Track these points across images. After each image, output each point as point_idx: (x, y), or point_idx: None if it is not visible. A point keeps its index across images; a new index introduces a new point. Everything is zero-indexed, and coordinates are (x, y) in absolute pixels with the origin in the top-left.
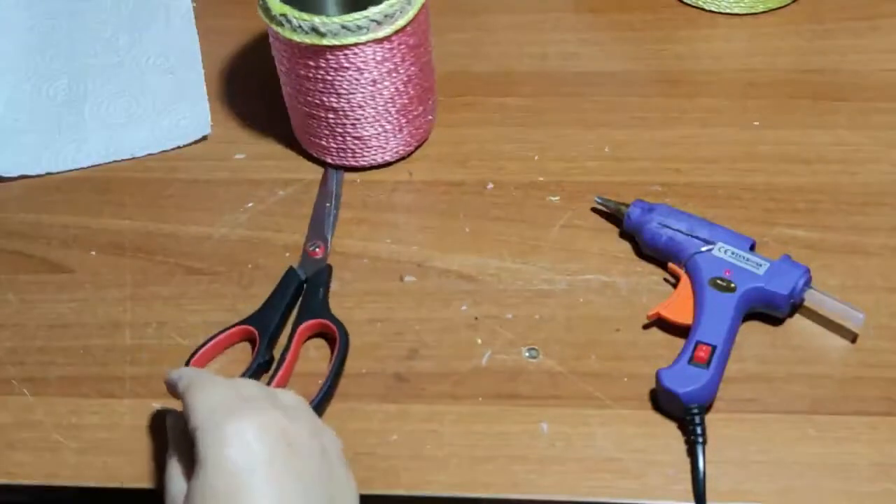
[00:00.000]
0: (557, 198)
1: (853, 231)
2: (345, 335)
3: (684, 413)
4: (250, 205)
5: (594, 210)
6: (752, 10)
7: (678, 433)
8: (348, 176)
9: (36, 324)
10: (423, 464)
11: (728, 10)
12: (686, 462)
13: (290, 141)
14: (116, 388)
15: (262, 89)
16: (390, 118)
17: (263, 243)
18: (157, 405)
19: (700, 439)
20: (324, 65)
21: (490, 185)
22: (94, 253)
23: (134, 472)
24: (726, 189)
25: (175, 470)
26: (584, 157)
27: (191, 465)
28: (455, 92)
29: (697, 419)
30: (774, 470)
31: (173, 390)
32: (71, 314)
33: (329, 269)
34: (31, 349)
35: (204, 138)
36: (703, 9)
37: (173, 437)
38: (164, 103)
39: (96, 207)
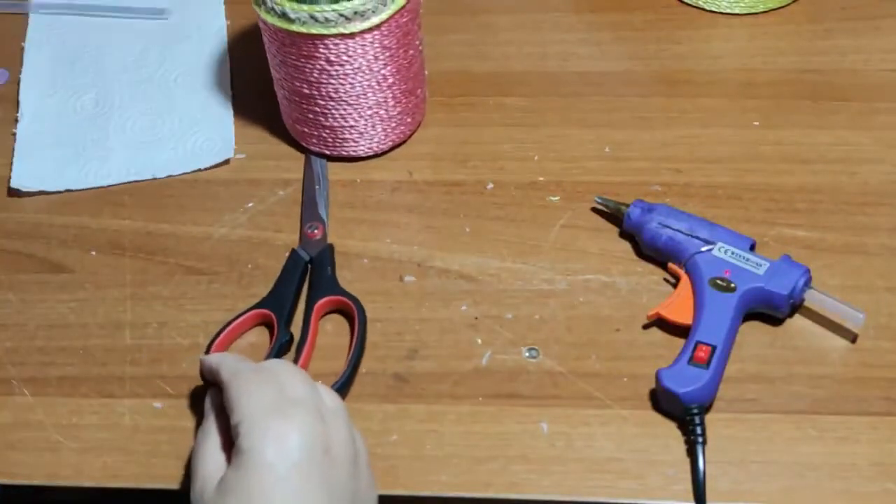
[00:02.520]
0: (557, 198)
1: (853, 231)
2: (362, 309)
3: (684, 413)
4: (250, 205)
5: (594, 210)
6: (752, 10)
7: (678, 433)
8: (348, 176)
9: (36, 324)
10: (423, 464)
11: (728, 10)
12: (686, 462)
13: (290, 141)
14: (116, 388)
15: (262, 89)
16: (362, 113)
17: (263, 243)
18: (157, 405)
19: (700, 439)
20: (294, 51)
21: (490, 185)
22: (94, 253)
23: (134, 472)
24: (726, 189)
25: (209, 446)
26: (584, 157)
27: (226, 443)
28: (455, 92)
29: (697, 419)
30: (774, 470)
31: (211, 376)
32: (71, 314)
33: (331, 247)
34: (31, 349)
35: (226, 162)
36: (703, 9)
37: (211, 414)
38: (189, 123)
39: (96, 207)
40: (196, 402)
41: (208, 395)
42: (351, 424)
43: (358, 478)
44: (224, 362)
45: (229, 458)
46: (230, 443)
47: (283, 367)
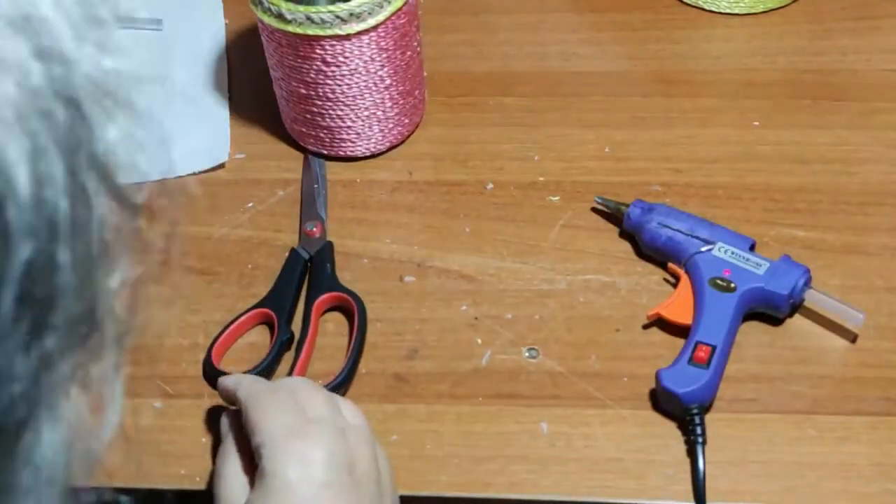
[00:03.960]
0: (557, 198)
1: (853, 231)
2: (362, 305)
3: (684, 413)
4: (250, 205)
5: (594, 210)
6: (752, 10)
7: (678, 433)
8: (348, 176)
9: None
10: (423, 464)
11: (728, 10)
12: (686, 462)
13: (289, 141)
14: None
15: (261, 89)
16: (359, 114)
17: (263, 243)
18: (157, 405)
19: (700, 439)
20: (291, 52)
21: (490, 185)
22: None
23: (134, 472)
24: (726, 189)
25: (231, 469)
26: (584, 157)
27: (248, 465)
28: (455, 92)
29: (697, 419)
30: (774, 470)
31: (229, 398)
32: None
33: (330, 245)
34: None
35: (221, 166)
36: (703, 9)
37: (230, 436)
38: (185, 127)
39: None
40: (195, 402)
41: (224, 417)
42: (374, 441)
43: (382, 497)
44: (242, 383)
45: (252, 481)
46: (252, 465)
47: (301, 386)
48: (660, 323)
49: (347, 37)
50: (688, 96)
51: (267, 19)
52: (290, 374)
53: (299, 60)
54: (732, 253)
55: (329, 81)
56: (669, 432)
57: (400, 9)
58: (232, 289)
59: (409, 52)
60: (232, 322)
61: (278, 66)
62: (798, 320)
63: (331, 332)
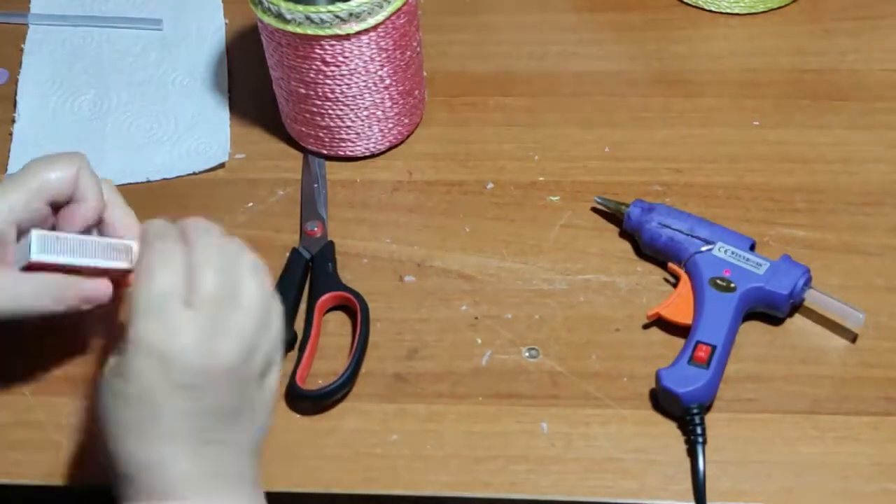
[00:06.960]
0: (557, 198)
1: (853, 231)
2: (364, 303)
3: (684, 413)
4: (250, 205)
5: (594, 210)
6: (752, 10)
7: (678, 433)
8: (348, 176)
9: (37, 323)
10: (423, 464)
11: (728, 10)
12: (686, 462)
13: (289, 140)
14: None
15: (261, 88)
16: (359, 114)
17: (263, 243)
18: None
19: (700, 439)
20: (291, 51)
21: (490, 185)
22: None
23: None
24: (726, 189)
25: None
26: (584, 157)
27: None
28: (455, 92)
29: (697, 419)
30: (774, 470)
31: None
32: (72, 314)
33: (331, 244)
34: (32, 349)
35: (221, 166)
36: (703, 9)
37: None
38: (185, 126)
39: None
40: None
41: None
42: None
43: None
44: (150, 227)
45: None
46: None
47: (200, 249)
48: (660, 323)
49: (347, 37)
50: (688, 96)
51: (267, 19)
52: (293, 373)
53: (299, 60)
54: (732, 253)
55: (328, 81)
56: (669, 432)
57: (400, 9)
58: None
59: (409, 52)
60: None
61: (278, 65)
62: (798, 320)
63: (333, 331)
